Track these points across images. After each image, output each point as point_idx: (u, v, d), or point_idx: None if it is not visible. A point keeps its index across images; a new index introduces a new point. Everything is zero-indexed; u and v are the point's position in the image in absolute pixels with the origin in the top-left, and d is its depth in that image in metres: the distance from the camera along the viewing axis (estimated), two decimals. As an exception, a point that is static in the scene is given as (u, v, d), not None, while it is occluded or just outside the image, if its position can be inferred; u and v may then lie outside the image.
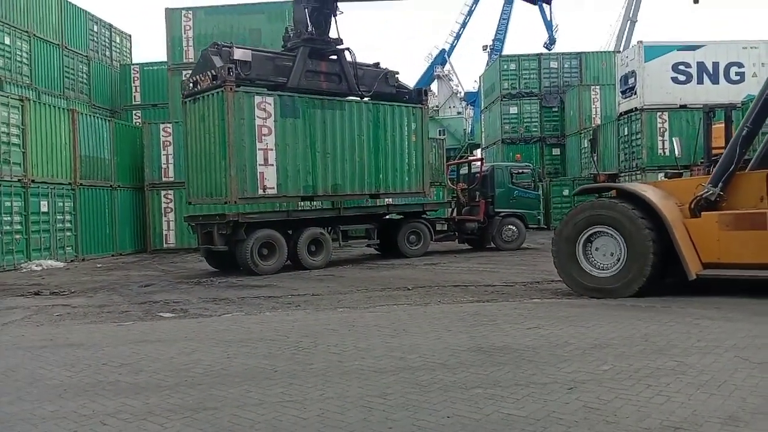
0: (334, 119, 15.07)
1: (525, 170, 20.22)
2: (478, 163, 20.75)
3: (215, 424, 4.00)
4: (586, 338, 5.96)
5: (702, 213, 8.33)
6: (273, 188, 14.01)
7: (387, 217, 17.23)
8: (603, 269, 8.63)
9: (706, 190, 8.34)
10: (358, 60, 15.76)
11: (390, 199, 18.32)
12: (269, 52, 15.15)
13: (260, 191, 13.84)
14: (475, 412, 4.01)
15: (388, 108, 16.23)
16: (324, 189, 14.93)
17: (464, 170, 21.03)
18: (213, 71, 13.50)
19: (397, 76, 16.90)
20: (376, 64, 16.57)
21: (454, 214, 19.55)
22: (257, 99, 13.78)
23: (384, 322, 7.20)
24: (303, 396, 4.48)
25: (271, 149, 13.91)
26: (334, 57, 15.40)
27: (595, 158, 27.51)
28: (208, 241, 14.17)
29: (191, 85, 14.35)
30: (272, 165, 13.94)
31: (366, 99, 15.97)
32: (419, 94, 17.29)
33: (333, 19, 15.05)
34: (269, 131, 13.89)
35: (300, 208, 15.78)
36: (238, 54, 13.78)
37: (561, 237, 9.07)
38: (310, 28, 14.63)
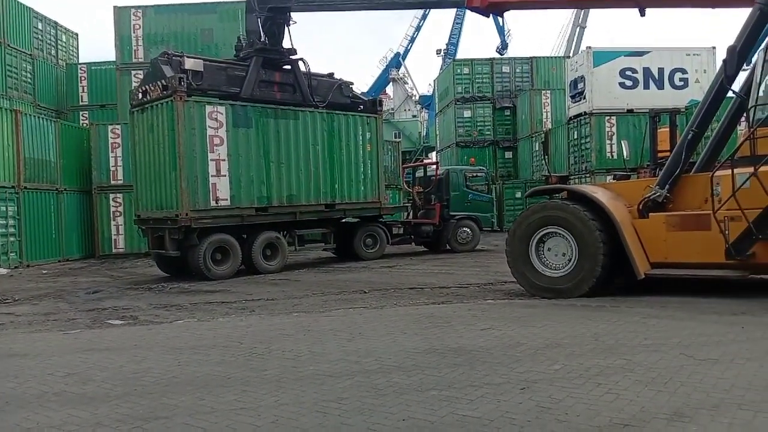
0: (288, 129, 14.97)
1: (479, 174, 20.53)
2: (434, 166, 20.93)
3: (166, 434, 3.91)
4: (538, 338, 6.05)
5: (650, 214, 8.56)
6: (226, 199, 13.79)
7: (343, 220, 17.20)
8: (555, 269, 8.79)
9: (654, 191, 8.58)
10: (312, 70, 15.74)
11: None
12: (221, 61, 14.91)
13: (213, 203, 13.61)
14: (430, 414, 4.02)
15: (343, 117, 16.21)
16: (279, 200, 14.81)
17: (420, 173, 21.17)
18: (163, 81, 13.16)
19: (351, 86, 16.93)
20: (330, 75, 16.55)
21: (410, 217, 19.65)
22: (209, 108, 13.55)
23: (340, 326, 7.17)
24: (257, 403, 4.41)
25: (224, 160, 13.70)
26: (288, 67, 15.28)
27: (546, 160, 28.10)
28: (159, 246, 13.83)
29: (140, 95, 13.97)
30: (225, 176, 13.73)
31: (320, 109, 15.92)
32: (374, 104, 17.35)
33: (286, 29, 14.92)
34: (221, 141, 13.67)
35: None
36: (189, 63, 13.50)
37: (514, 238, 9.20)
38: (263, 38, 14.47)
